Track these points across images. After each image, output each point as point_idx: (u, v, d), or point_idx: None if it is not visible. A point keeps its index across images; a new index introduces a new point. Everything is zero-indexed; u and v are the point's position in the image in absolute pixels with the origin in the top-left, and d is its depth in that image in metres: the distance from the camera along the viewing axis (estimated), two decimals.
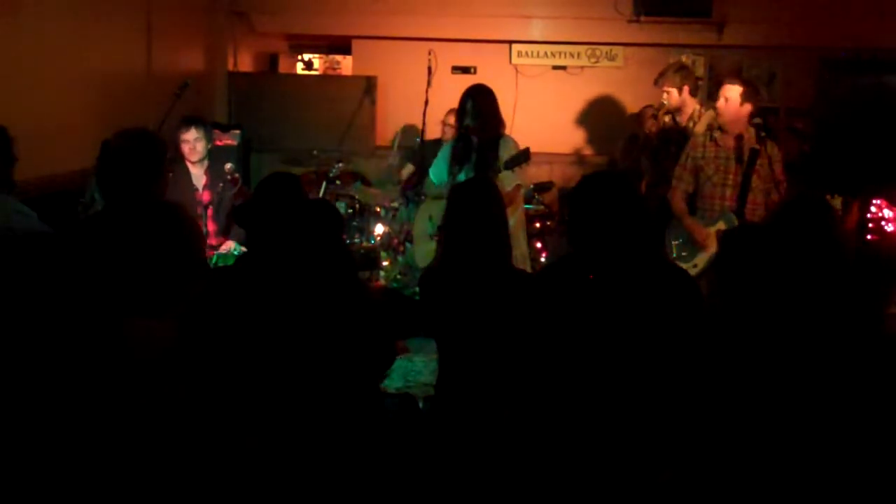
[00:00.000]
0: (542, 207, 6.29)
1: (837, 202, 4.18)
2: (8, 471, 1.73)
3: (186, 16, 6.79)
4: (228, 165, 4.86)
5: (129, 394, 1.61)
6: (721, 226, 4.26)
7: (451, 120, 6.02)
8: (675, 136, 5.12)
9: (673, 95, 5.01)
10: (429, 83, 5.83)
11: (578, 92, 7.49)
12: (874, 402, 2.18)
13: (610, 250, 2.52)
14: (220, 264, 4.43)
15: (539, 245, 5.98)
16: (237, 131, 6.55)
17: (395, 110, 7.54)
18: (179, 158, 4.90)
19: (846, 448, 2.14)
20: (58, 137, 4.72)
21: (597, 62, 7.45)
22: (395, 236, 5.60)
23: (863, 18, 6.73)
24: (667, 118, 5.21)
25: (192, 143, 4.77)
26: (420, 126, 5.87)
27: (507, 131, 4.57)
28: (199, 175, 4.87)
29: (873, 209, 5.08)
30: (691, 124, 5.04)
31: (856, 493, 2.12)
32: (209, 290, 2.54)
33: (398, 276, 5.38)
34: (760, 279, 2.32)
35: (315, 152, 6.21)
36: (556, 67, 7.53)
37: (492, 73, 7.35)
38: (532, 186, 6.37)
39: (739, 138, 4.27)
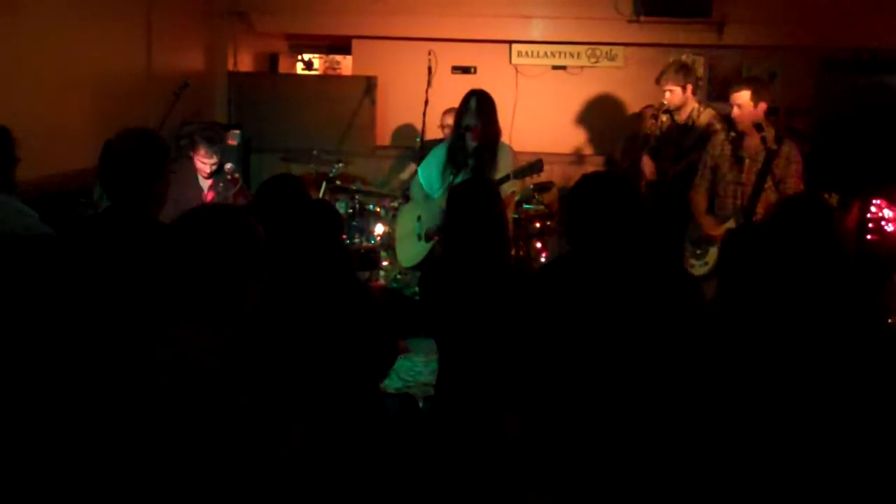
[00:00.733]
0: (542, 207, 6.29)
1: (834, 200, 4.18)
2: (5, 470, 1.74)
3: (186, 16, 6.79)
4: (228, 165, 4.87)
5: (129, 393, 1.61)
6: (731, 224, 4.29)
7: (449, 121, 6.02)
8: (676, 136, 5.12)
9: (676, 94, 5.02)
10: (429, 83, 5.84)
11: (578, 92, 7.49)
12: (874, 402, 2.19)
13: (608, 250, 2.53)
14: None
15: (539, 245, 5.98)
16: (237, 131, 6.54)
17: (395, 110, 7.54)
18: (185, 157, 4.91)
19: (846, 448, 2.14)
20: (58, 137, 4.72)
21: (597, 62, 7.45)
22: (394, 236, 5.60)
23: (863, 18, 6.72)
24: (664, 117, 5.21)
25: (210, 165, 4.79)
26: (420, 126, 5.87)
27: (506, 132, 4.56)
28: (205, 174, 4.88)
29: (873, 209, 5.08)
30: (690, 123, 5.04)
31: (856, 492, 2.12)
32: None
33: (398, 276, 5.38)
34: (760, 279, 2.33)
35: (315, 152, 6.20)
36: (556, 67, 7.52)
37: (492, 73, 7.35)
38: (532, 186, 6.37)
39: (757, 138, 4.26)
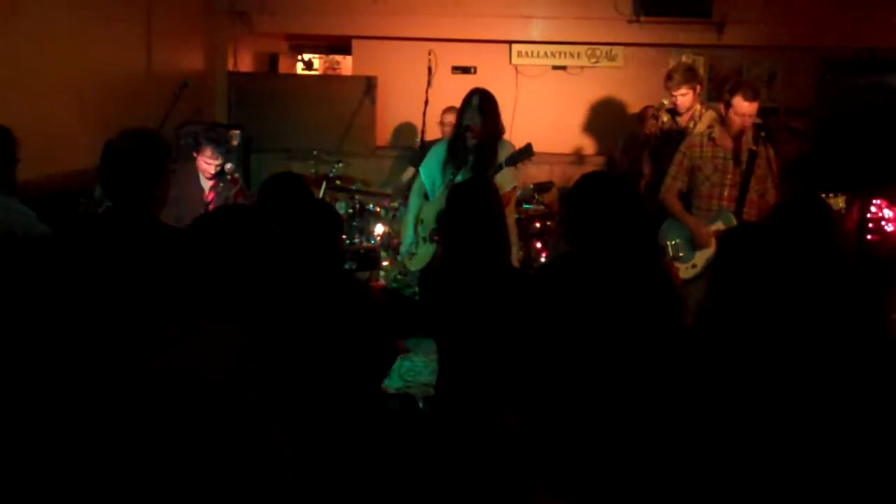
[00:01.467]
0: (542, 207, 6.29)
1: (841, 201, 4.16)
2: (6, 471, 1.74)
3: (186, 16, 6.79)
4: (228, 165, 4.87)
5: (130, 393, 1.61)
6: (720, 225, 4.26)
7: (449, 118, 6.02)
8: (676, 136, 5.12)
9: (689, 97, 4.99)
10: (429, 83, 5.84)
11: (578, 92, 7.49)
12: (874, 402, 2.19)
13: (607, 249, 2.54)
14: None
15: (539, 245, 5.98)
16: (237, 131, 6.54)
17: (395, 110, 7.54)
18: (186, 157, 4.91)
19: (846, 447, 2.14)
20: (58, 137, 4.72)
21: (597, 62, 7.45)
22: (395, 236, 5.61)
23: (863, 18, 6.73)
24: (666, 118, 5.21)
25: (214, 166, 4.79)
26: (420, 126, 5.87)
27: (506, 134, 4.56)
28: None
29: (873, 209, 5.08)
30: (692, 124, 5.04)
31: (856, 492, 2.12)
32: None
33: (398, 276, 5.38)
34: (758, 280, 2.33)
35: (315, 152, 6.21)
36: (556, 67, 7.53)
37: (492, 73, 7.35)
38: (532, 186, 6.37)
39: (738, 139, 4.27)
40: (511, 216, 4.52)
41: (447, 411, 2.86)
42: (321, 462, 1.64)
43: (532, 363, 2.63)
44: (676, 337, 2.46)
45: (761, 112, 4.41)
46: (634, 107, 6.93)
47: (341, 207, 5.76)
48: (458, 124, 4.50)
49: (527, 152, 4.28)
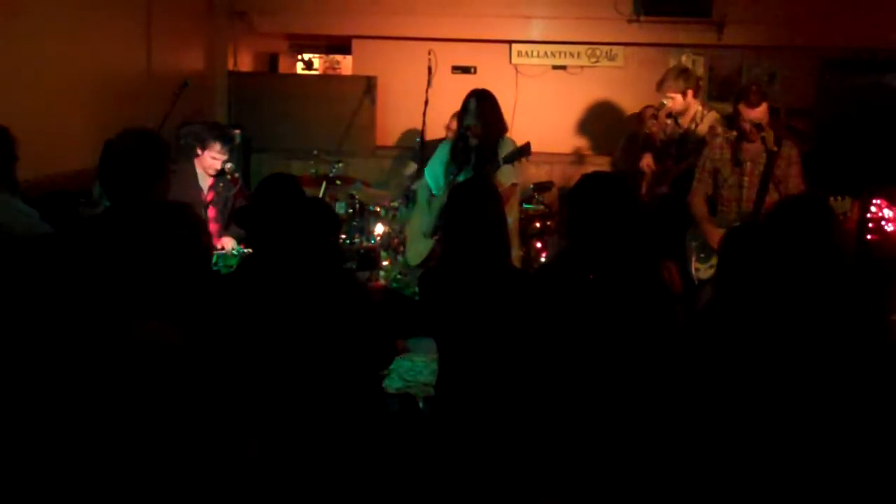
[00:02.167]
0: (542, 207, 6.29)
1: (847, 203, 4.15)
2: (8, 471, 1.73)
3: (186, 16, 6.79)
4: (228, 165, 4.87)
5: (133, 395, 1.61)
6: None
7: (455, 125, 6.01)
8: (678, 138, 5.12)
9: (677, 101, 5.00)
10: (429, 83, 5.83)
11: (578, 92, 7.49)
12: (874, 401, 2.18)
13: (606, 249, 2.55)
14: (221, 263, 4.44)
15: (539, 245, 5.97)
16: (237, 131, 6.55)
17: (395, 110, 7.54)
18: (185, 157, 4.90)
19: (846, 446, 2.14)
20: (58, 137, 4.72)
21: (597, 62, 7.45)
22: (395, 236, 5.60)
23: (863, 18, 6.73)
24: (669, 121, 5.20)
25: (221, 163, 4.78)
26: (420, 126, 5.87)
27: (507, 134, 4.57)
28: (204, 176, 4.87)
29: (873, 209, 5.08)
30: (693, 126, 5.03)
31: (856, 491, 2.12)
32: (218, 293, 2.55)
33: (398, 276, 5.37)
34: (758, 279, 2.33)
35: (315, 152, 6.20)
36: (556, 67, 7.52)
37: (492, 73, 7.35)
38: (532, 186, 6.37)
39: (743, 140, 4.28)
40: (513, 213, 4.52)
41: (447, 411, 2.86)
42: (287, 456, 1.64)
43: (534, 363, 2.64)
44: (668, 334, 2.48)
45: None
46: (634, 107, 6.93)
47: (341, 207, 5.75)
48: (459, 126, 4.54)
49: (524, 150, 4.30)
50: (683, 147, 5.05)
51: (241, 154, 6.49)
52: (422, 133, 5.89)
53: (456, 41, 7.24)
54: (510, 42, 7.45)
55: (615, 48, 7.39)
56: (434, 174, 4.66)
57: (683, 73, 5.10)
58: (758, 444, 2.19)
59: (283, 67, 8.74)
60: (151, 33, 5.99)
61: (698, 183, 4.51)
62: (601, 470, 2.45)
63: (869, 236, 5.07)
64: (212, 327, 2.35)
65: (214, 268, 4.33)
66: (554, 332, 2.64)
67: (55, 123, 4.73)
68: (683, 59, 7.22)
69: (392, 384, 3.50)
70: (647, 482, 2.37)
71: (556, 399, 2.61)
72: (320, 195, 5.67)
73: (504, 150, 4.40)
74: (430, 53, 5.92)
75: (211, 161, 4.77)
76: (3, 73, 4.35)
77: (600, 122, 7.47)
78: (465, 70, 7.46)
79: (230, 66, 7.36)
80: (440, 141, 5.95)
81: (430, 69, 5.86)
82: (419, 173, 5.86)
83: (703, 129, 4.95)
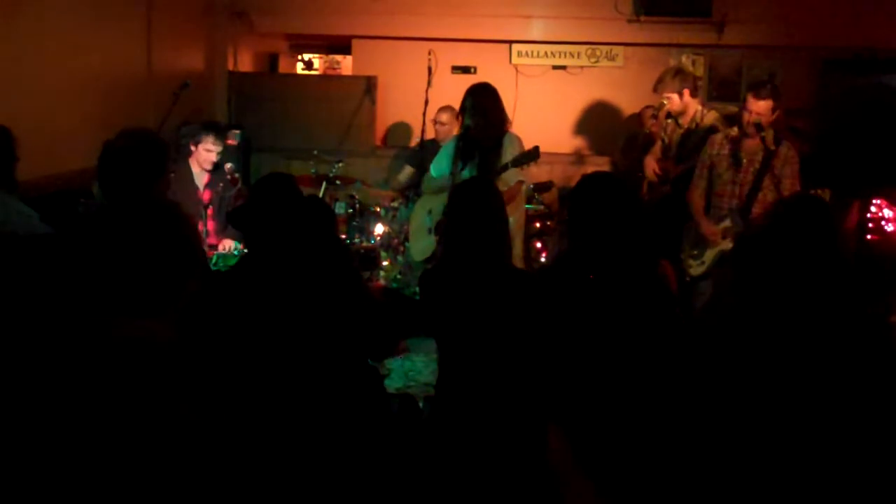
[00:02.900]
0: (542, 207, 6.29)
1: (826, 195, 4.19)
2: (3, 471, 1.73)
3: (186, 16, 6.79)
4: (228, 165, 4.87)
5: (127, 393, 1.61)
6: (727, 224, 4.30)
7: (443, 118, 6.02)
8: (679, 138, 5.12)
9: (674, 101, 5.00)
10: (429, 83, 5.83)
11: (578, 92, 7.49)
12: (874, 402, 2.19)
13: (607, 249, 2.56)
14: (221, 263, 4.44)
15: (539, 245, 5.97)
16: (237, 131, 6.55)
17: (395, 110, 7.55)
18: (182, 157, 4.91)
19: (846, 448, 2.14)
20: (58, 137, 4.72)
21: (597, 62, 7.45)
22: (395, 236, 5.60)
23: (863, 18, 6.73)
24: (669, 122, 5.20)
25: (216, 154, 4.79)
26: (420, 126, 5.87)
27: (510, 128, 4.56)
28: (200, 174, 4.87)
29: (873, 209, 5.09)
30: (694, 126, 5.04)
31: (855, 492, 2.12)
32: (213, 291, 2.55)
33: (398, 276, 5.37)
34: (759, 281, 2.33)
35: (315, 152, 6.21)
36: (556, 67, 7.53)
37: (492, 73, 7.34)
38: (532, 186, 6.37)
39: (742, 139, 4.30)
40: (519, 210, 4.51)
41: (447, 411, 2.86)
42: (308, 457, 1.65)
43: (538, 363, 2.65)
44: (670, 333, 2.48)
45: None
46: (634, 107, 6.93)
47: (341, 207, 5.76)
48: (461, 124, 4.55)
49: (533, 154, 4.29)
50: (684, 147, 5.05)
51: (241, 154, 6.49)
52: (422, 133, 5.89)
53: (456, 41, 7.24)
54: (510, 42, 7.46)
55: (615, 48, 7.39)
56: (441, 169, 4.67)
57: (679, 73, 5.11)
58: (759, 445, 2.19)
59: (283, 67, 8.74)
60: (151, 33, 5.99)
61: (697, 178, 4.54)
62: (608, 469, 2.45)
63: (869, 236, 5.07)
64: (208, 325, 2.35)
65: (214, 267, 4.33)
66: (555, 332, 2.65)
67: (55, 123, 4.73)
68: (683, 59, 7.22)
69: (392, 384, 3.50)
70: (654, 480, 2.37)
71: (557, 399, 2.61)
72: (320, 195, 5.67)
73: (510, 148, 4.39)
74: (430, 53, 5.92)
75: (206, 154, 4.76)
76: (3, 73, 4.35)
77: (600, 122, 7.47)
78: (465, 70, 7.46)
79: (230, 66, 7.36)
80: (434, 141, 5.97)
81: (430, 69, 5.86)
82: (416, 176, 5.87)
83: (703, 127, 4.96)
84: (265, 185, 3.21)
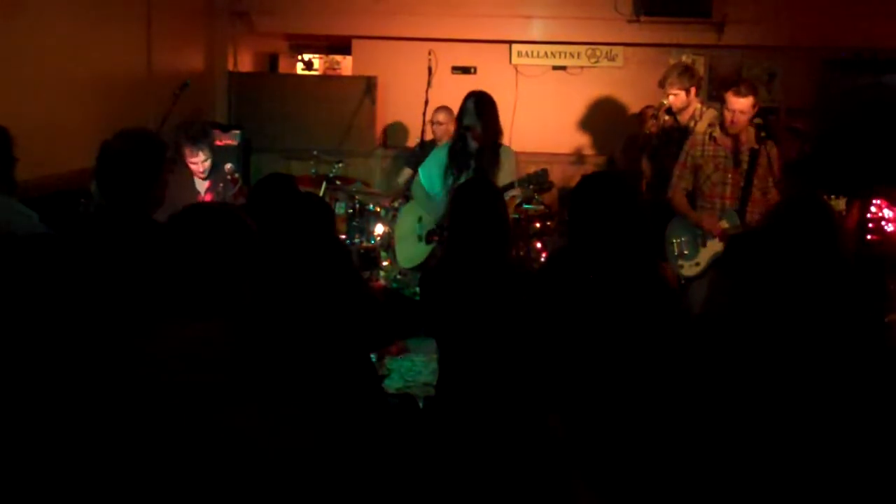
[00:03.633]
0: (542, 207, 6.28)
1: (842, 203, 4.16)
2: (8, 474, 1.73)
3: (186, 16, 6.79)
4: (228, 165, 4.87)
5: (132, 396, 1.62)
6: (724, 224, 4.28)
7: (440, 118, 6.01)
8: (676, 136, 5.12)
9: (680, 97, 5.00)
10: (429, 83, 5.83)
11: (578, 92, 7.49)
12: (873, 403, 2.19)
13: (607, 249, 2.56)
14: None
15: (539, 245, 5.97)
16: (237, 131, 6.55)
17: (395, 110, 7.54)
18: (181, 160, 4.90)
19: (846, 449, 2.14)
20: (58, 137, 4.72)
21: (597, 62, 7.45)
22: (394, 236, 5.60)
23: (863, 18, 6.72)
24: (667, 118, 5.21)
25: (201, 164, 4.78)
26: (420, 126, 5.87)
27: (506, 132, 4.56)
28: (201, 182, 4.87)
29: (873, 209, 5.08)
30: (692, 123, 5.04)
31: (855, 493, 2.12)
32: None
33: (398, 276, 5.38)
34: (760, 282, 2.33)
35: (315, 152, 6.21)
36: (556, 67, 7.52)
37: (492, 73, 7.35)
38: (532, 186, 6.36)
39: (736, 138, 4.30)
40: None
41: (447, 411, 2.87)
42: (316, 456, 1.65)
43: (538, 361, 2.65)
44: (670, 333, 2.48)
45: (761, 112, 4.42)
46: (634, 107, 6.93)
47: (341, 207, 5.76)
48: (458, 127, 4.51)
49: (541, 179, 4.28)
50: (681, 146, 5.05)
51: (241, 154, 6.49)
52: (422, 133, 5.89)
53: (456, 41, 7.24)
54: (510, 42, 7.45)
55: (615, 48, 7.39)
56: (429, 176, 4.62)
57: (687, 70, 5.11)
58: (758, 444, 2.19)
59: (283, 67, 8.73)
60: (151, 33, 5.99)
61: (678, 179, 4.51)
62: (609, 468, 2.45)
63: (869, 236, 5.07)
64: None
65: None
66: (555, 332, 2.65)
67: (55, 123, 4.73)
68: (683, 59, 7.22)
69: (392, 384, 3.50)
70: (653, 479, 2.37)
71: (558, 399, 2.61)
72: (320, 195, 5.67)
73: (507, 162, 4.39)
74: (430, 53, 5.92)
75: (193, 167, 4.77)
76: (2, 73, 4.34)
77: (600, 122, 7.46)
78: (465, 70, 7.46)
79: (230, 66, 7.36)
80: (434, 142, 5.96)
81: (430, 69, 5.86)
82: (414, 177, 5.87)
83: (701, 126, 4.96)
84: (265, 186, 3.23)
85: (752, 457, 2.18)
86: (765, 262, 2.37)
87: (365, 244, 5.67)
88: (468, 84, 4.59)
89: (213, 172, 4.87)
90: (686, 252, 4.44)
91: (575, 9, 7.09)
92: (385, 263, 5.51)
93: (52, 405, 1.85)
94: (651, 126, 5.60)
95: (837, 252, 2.55)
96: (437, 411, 2.94)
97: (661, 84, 5.11)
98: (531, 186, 4.34)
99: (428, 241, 4.60)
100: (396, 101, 7.44)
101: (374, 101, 7.29)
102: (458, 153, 4.46)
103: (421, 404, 3.27)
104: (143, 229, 2.52)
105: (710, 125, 4.73)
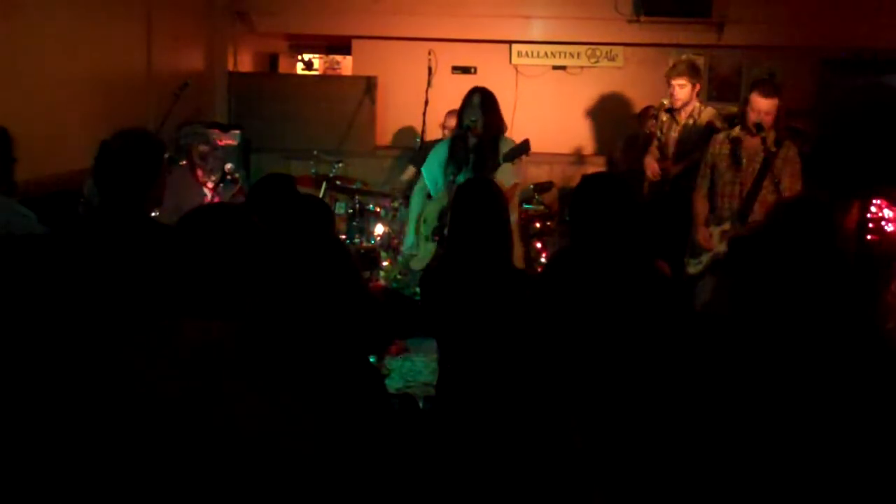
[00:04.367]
0: (542, 207, 6.29)
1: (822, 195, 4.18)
2: (8, 475, 1.73)
3: (186, 16, 6.79)
4: (228, 165, 4.86)
5: (126, 395, 1.62)
6: (726, 227, 4.29)
7: (451, 122, 6.01)
8: (677, 136, 5.12)
9: (686, 89, 4.99)
10: (429, 83, 5.84)
11: (578, 92, 7.49)
12: (873, 404, 2.18)
13: (608, 249, 2.56)
14: None
15: (539, 245, 5.98)
16: (237, 131, 6.54)
17: (395, 110, 7.54)
18: (182, 157, 4.90)
19: (845, 450, 2.14)
20: (58, 137, 4.72)
21: (597, 62, 7.45)
22: (395, 236, 5.61)
23: (863, 18, 6.72)
24: (665, 116, 5.20)
25: (210, 182, 4.77)
26: (420, 126, 5.87)
27: (506, 134, 4.56)
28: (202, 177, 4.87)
29: (873, 209, 5.08)
30: (691, 121, 5.04)
31: (855, 494, 2.12)
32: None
33: (398, 276, 5.38)
34: (760, 283, 2.33)
35: (315, 152, 6.20)
36: (556, 67, 7.52)
37: (492, 73, 7.35)
38: (532, 186, 6.37)
39: (761, 139, 4.25)
40: (514, 212, 4.52)
41: (447, 411, 2.87)
42: (318, 457, 1.65)
43: (541, 367, 2.65)
44: (671, 333, 2.49)
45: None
46: (634, 107, 6.93)
47: (341, 207, 5.76)
48: (459, 124, 4.51)
49: (523, 148, 4.30)
50: (683, 145, 5.06)
51: (241, 154, 6.49)
52: (422, 133, 5.89)
53: (456, 41, 7.24)
54: (510, 42, 7.45)
55: (615, 48, 7.39)
56: (432, 175, 4.63)
57: (694, 66, 5.12)
58: (758, 445, 2.19)
59: (283, 67, 8.74)
60: (151, 33, 5.99)
61: (701, 179, 4.53)
62: (611, 468, 2.45)
63: (869, 236, 5.07)
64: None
65: None
66: (555, 332, 2.65)
67: (55, 123, 4.73)
68: (684, 58, 7.21)
69: (392, 384, 3.50)
70: (654, 478, 2.37)
71: (558, 399, 2.61)
72: (320, 195, 5.68)
73: (504, 149, 4.39)
74: (430, 53, 5.93)
75: (201, 178, 4.76)
76: (2, 73, 4.34)
77: (600, 122, 7.47)
78: (465, 70, 7.45)
79: (230, 67, 7.36)
80: (438, 141, 5.95)
81: (430, 69, 5.87)
82: (417, 175, 5.87)
83: (700, 124, 4.96)
84: (264, 186, 3.24)
85: (752, 458, 2.19)
86: (764, 263, 2.37)
87: (365, 244, 5.67)
88: (468, 84, 4.59)
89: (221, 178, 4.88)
90: (696, 250, 4.49)
91: (575, 9, 7.09)
92: (385, 263, 5.51)
93: (52, 404, 1.85)
94: (651, 126, 5.60)
95: (837, 252, 2.56)
96: (437, 411, 2.94)
97: (668, 75, 5.09)
98: (518, 159, 4.35)
99: (433, 240, 4.62)
100: (396, 101, 7.44)
101: (374, 101, 7.29)
102: (457, 149, 4.47)
103: (421, 404, 3.27)
104: (142, 229, 2.52)
105: (709, 122, 4.74)
